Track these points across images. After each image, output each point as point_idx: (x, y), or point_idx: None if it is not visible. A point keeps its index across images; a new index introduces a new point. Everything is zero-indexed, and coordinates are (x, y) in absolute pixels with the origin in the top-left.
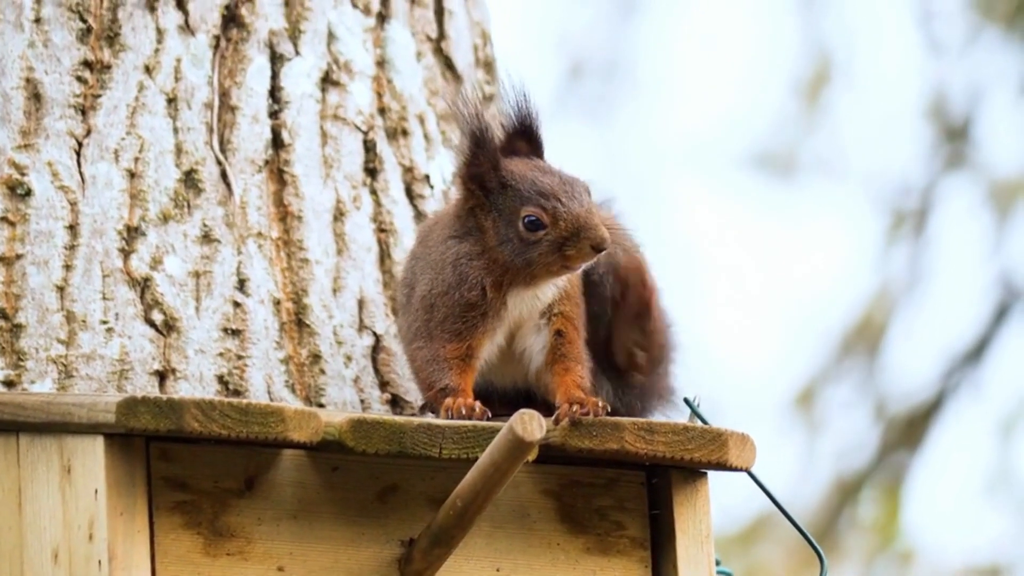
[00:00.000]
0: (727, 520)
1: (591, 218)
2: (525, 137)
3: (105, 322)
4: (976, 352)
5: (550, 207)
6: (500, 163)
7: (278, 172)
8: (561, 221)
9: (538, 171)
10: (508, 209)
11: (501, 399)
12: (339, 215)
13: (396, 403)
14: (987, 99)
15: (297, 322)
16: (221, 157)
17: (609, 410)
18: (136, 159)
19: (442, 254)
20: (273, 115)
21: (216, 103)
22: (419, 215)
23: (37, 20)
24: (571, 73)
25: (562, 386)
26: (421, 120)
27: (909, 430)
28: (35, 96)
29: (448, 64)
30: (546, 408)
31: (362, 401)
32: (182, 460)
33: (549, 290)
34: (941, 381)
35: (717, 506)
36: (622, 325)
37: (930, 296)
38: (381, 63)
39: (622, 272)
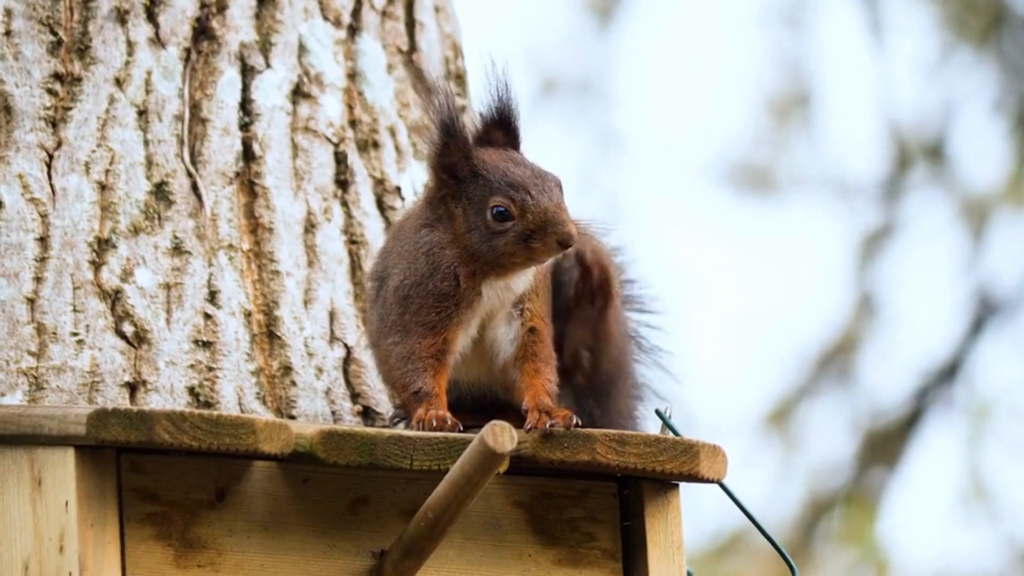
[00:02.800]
0: (701, 535)
1: (559, 213)
2: (502, 127)
3: (76, 334)
4: (951, 368)
5: (519, 199)
6: (472, 151)
7: (249, 184)
8: (529, 214)
9: (511, 162)
10: (478, 198)
11: (468, 400)
12: (310, 227)
13: (367, 415)
14: (961, 115)
15: (268, 334)
16: (192, 169)
17: (580, 423)
18: (107, 171)
19: (415, 244)
20: (244, 127)
21: (187, 115)
22: (390, 227)
23: (7, 33)
24: (545, 88)
25: (531, 389)
26: (392, 132)
27: (884, 445)
28: (5, 109)
29: (419, 76)
30: (514, 414)
31: (333, 413)
32: (153, 472)
33: (521, 281)
34: (917, 397)
35: (691, 521)
36: (578, 323)
37: (905, 312)
38: (352, 75)
39: (587, 260)
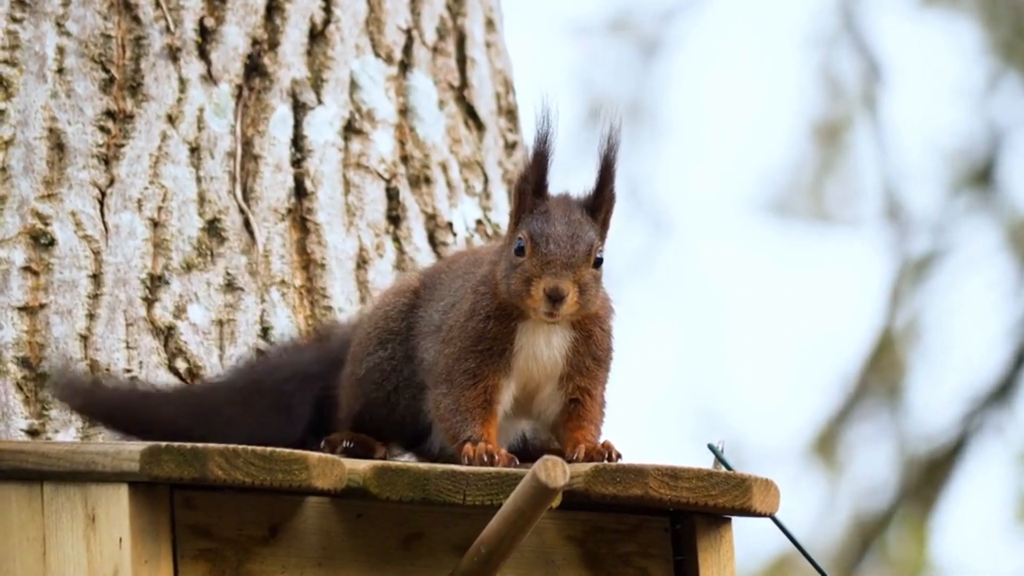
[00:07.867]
0: (748, 560)
1: (559, 268)
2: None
3: (129, 371)
4: (999, 393)
5: (537, 239)
6: (545, 189)
7: (301, 220)
8: (536, 256)
9: (561, 210)
10: (518, 231)
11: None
12: (362, 263)
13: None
14: (1008, 141)
15: None
16: (244, 206)
17: (622, 457)
18: (159, 208)
19: (471, 281)
20: (296, 164)
21: (239, 152)
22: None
23: (60, 71)
24: (591, 115)
25: (571, 441)
26: (444, 168)
27: (931, 471)
28: (58, 146)
29: (471, 112)
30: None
31: None
32: (206, 508)
33: (557, 336)
34: (963, 422)
35: (739, 547)
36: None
37: (952, 337)
38: (403, 111)
39: None
